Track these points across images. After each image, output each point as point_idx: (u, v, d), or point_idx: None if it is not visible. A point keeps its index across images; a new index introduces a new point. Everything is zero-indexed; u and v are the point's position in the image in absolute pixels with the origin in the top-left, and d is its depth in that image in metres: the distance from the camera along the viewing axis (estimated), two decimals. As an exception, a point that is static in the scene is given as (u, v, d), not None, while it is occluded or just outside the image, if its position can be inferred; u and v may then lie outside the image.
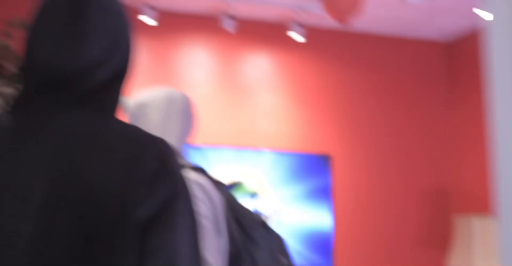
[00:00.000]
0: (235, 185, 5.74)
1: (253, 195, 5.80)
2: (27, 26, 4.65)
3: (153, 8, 5.60)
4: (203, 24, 6.19)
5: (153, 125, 2.26)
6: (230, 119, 6.12)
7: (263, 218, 2.45)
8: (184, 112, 2.36)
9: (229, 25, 5.85)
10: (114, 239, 1.22)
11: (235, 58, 6.26)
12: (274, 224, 5.80)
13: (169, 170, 1.30)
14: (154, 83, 5.88)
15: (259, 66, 6.31)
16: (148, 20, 5.73)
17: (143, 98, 2.32)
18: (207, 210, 2.18)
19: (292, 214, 5.88)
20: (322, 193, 6.00)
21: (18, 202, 1.25)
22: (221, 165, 5.71)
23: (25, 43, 1.40)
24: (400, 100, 6.70)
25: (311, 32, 6.39)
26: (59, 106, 1.33)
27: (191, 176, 2.19)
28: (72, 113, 1.33)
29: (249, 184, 5.79)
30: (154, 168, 1.28)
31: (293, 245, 5.81)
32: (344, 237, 6.22)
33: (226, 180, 5.70)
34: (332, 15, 5.07)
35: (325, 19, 6.29)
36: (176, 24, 6.05)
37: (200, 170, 2.28)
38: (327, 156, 6.10)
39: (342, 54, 6.59)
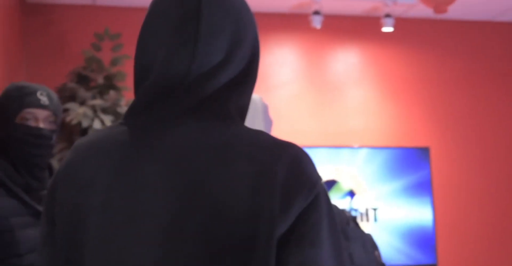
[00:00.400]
0: (330, 185, 5.66)
1: (349, 193, 5.71)
2: (113, 37, 4.70)
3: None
4: (289, 23, 6.13)
5: None
6: (320, 118, 6.04)
7: (353, 215, 2.41)
8: (264, 115, 2.31)
9: (315, 22, 5.77)
10: (246, 260, 1.09)
11: (323, 55, 6.17)
12: (371, 222, 5.69)
13: (306, 180, 1.15)
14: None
15: (348, 62, 6.20)
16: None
17: None
18: None
19: (390, 210, 5.76)
20: (421, 187, 5.84)
21: (140, 225, 1.14)
22: (316, 165, 5.63)
23: (137, 49, 1.31)
24: (497, 87, 6.44)
25: (399, 22, 6.23)
26: (178, 115, 1.21)
27: None
28: (193, 123, 1.20)
29: (345, 182, 5.70)
30: (289, 179, 1.13)
31: (393, 242, 5.69)
32: (445, 232, 6.04)
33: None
34: (428, 5, 4.90)
35: (412, 8, 6.11)
36: (262, 24, 6.02)
37: None
38: (424, 149, 5.93)
39: (432, 43, 6.38)
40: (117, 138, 1.23)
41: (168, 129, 1.20)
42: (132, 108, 1.26)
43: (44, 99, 2.48)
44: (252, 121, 2.28)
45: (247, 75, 1.28)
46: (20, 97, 2.46)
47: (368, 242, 2.43)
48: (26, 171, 2.48)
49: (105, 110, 4.83)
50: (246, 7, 1.31)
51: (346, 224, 2.36)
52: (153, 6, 1.31)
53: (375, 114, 6.15)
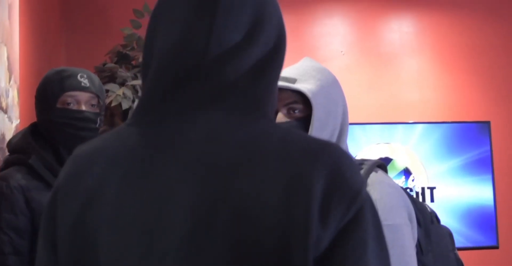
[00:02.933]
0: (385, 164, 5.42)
1: (405, 172, 5.46)
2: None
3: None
4: (338, -8, 5.84)
5: None
6: (373, 92, 5.76)
7: (432, 210, 2.23)
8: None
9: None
10: None
11: (374, 25, 5.87)
12: (428, 202, 5.44)
13: (348, 188, 0.99)
14: (289, 58, 5.62)
15: (401, 31, 5.88)
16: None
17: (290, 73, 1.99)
18: (411, 230, 1.87)
19: (447, 189, 5.50)
20: (481, 165, 5.54)
21: (158, 239, 1.00)
22: (368, 143, 5.39)
23: (146, 33, 1.15)
24: None
25: (457, -12, 5.87)
26: (193, 107, 1.05)
27: (380, 178, 1.90)
28: (211, 116, 1.04)
29: (400, 160, 5.45)
30: (328, 186, 0.97)
31: (451, 223, 5.43)
32: (507, 211, 5.74)
33: (375, 159, 5.39)
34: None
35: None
36: (309, -6, 5.75)
37: (382, 167, 2.01)
38: (484, 123, 5.61)
39: (494, 9, 5.99)
40: (124, 141, 1.08)
41: (186, 124, 1.05)
42: (141, 103, 1.10)
43: (85, 82, 2.41)
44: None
45: (274, 60, 1.12)
46: (60, 81, 2.40)
47: (446, 243, 2.24)
48: None
49: (147, 90, 4.65)
50: None
51: (430, 222, 2.14)
52: None
53: (431, 87, 5.83)
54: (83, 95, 2.41)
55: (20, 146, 2.42)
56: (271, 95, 1.11)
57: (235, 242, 0.95)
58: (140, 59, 4.77)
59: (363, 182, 1.03)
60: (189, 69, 1.06)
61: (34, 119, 2.56)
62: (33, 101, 2.53)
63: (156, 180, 1.02)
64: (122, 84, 4.61)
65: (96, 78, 2.48)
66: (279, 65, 1.14)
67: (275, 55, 1.12)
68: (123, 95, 4.45)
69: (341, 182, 0.99)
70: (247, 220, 0.96)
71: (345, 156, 1.03)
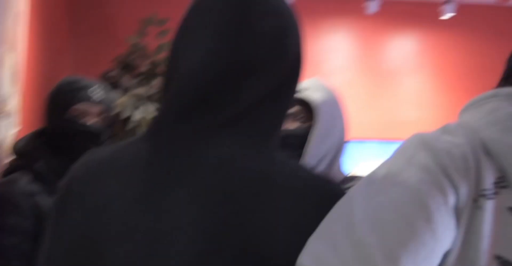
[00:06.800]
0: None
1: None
2: (160, 22, 4.52)
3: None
4: (342, 8, 5.90)
5: None
6: (372, 108, 5.82)
7: None
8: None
9: (371, 7, 5.54)
10: None
11: (378, 42, 5.94)
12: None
13: None
14: (292, 73, 5.70)
15: (403, 49, 5.95)
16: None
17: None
18: None
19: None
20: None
21: (163, 260, 1.01)
22: (366, 160, 5.44)
23: (169, 53, 1.16)
24: None
25: (459, 8, 5.93)
26: (206, 131, 1.07)
27: None
28: (224, 142, 1.06)
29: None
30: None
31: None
32: None
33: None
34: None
35: (475, -5, 5.81)
36: (315, 9, 5.81)
37: None
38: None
39: (496, 30, 6.05)
40: (137, 155, 1.09)
41: (199, 147, 1.06)
42: (157, 120, 1.12)
43: (96, 95, 2.42)
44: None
45: (288, 88, 1.14)
46: (71, 92, 2.41)
47: None
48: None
49: (150, 98, 4.69)
50: (295, 18, 1.20)
51: None
52: (195, 4, 1.17)
53: (431, 106, 5.89)
54: (92, 108, 2.42)
55: (26, 150, 2.44)
56: (281, 122, 1.14)
57: None
58: (143, 68, 4.83)
59: None
60: (207, 94, 1.07)
61: (37, 124, 2.57)
62: (36, 107, 2.55)
63: (163, 201, 1.04)
64: (124, 92, 4.66)
65: (107, 91, 2.50)
66: (292, 91, 1.15)
67: (290, 82, 1.14)
68: (125, 104, 4.50)
69: None
70: (254, 249, 0.99)
71: (342, 191, 1.09)
